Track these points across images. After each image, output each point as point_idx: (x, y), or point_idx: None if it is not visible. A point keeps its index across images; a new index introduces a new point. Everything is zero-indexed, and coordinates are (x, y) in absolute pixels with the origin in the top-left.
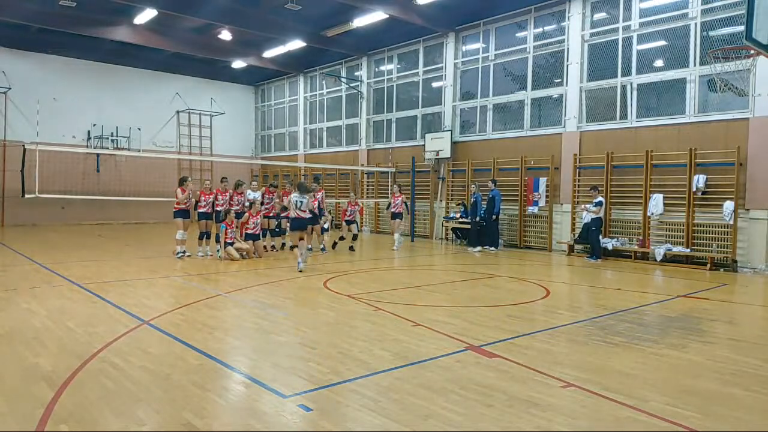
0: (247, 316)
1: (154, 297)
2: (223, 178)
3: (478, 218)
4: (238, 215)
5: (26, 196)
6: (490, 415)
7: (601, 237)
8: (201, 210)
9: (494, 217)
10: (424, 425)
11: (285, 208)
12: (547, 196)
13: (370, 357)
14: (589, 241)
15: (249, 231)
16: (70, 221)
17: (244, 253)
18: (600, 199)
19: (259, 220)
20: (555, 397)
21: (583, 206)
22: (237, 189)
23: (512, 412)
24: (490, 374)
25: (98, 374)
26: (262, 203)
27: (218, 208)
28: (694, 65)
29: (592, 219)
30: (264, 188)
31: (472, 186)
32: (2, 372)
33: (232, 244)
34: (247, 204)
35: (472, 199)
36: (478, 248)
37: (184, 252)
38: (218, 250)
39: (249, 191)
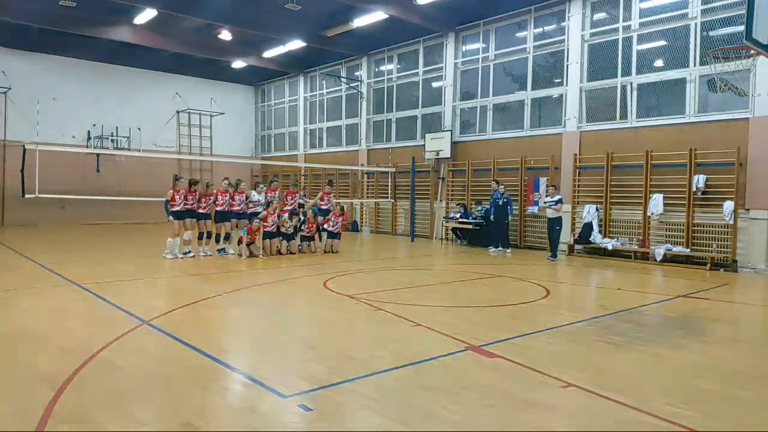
0: (247, 316)
1: (154, 297)
2: (209, 183)
3: (492, 218)
4: (240, 215)
5: (26, 196)
6: (490, 415)
7: (598, 235)
8: (201, 211)
9: (510, 218)
10: (424, 425)
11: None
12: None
13: (370, 357)
14: (550, 239)
15: (267, 229)
16: (70, 221)
17: (261, 251)
18: (559, 197)
19: (276, 219)
20: (555, 397)
21: (543, 202)
22: (237, 188)
23: (512, 412)
24: (490, 374)
25: (98, 374)
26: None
27: (218, 209)
28: (694, 65)
29: (554, 218)
30: (266, 188)
31: (493, 184)
32: (2, 372)
33: (250, 244)
34: (259, 204)
35: (492, 198)
36: (498, 249)
37: (188, 252)
38: (222, 250)
39: (254, 192)
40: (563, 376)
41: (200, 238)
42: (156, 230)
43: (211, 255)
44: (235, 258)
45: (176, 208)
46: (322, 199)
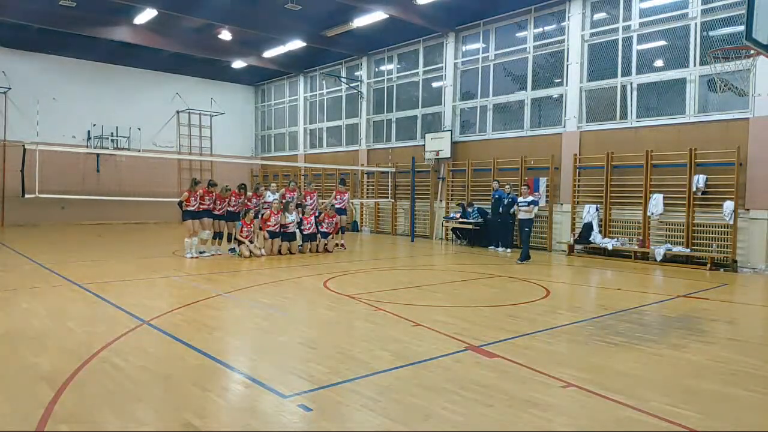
0: (247, 316)
1: (154, 297)
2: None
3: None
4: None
5: (26, 196)
6: (490, 415)
7: (598, 235)
8: (217, 212)
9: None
10: (424, 425)
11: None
12: (547, 196)
13: (370, 357)
14: (521, 242)
15: (270, 228)
16: (70, 221)
17: (261, 250)
18: (532, 198)
19: (279, 219)
20: (555, 397)
21: (516, 205)
22: (256, 191)
23: (512, 412)
24: (490, 374)
25: (98, 374)
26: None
27: (230, 208)
28: (694, 65)
29: (525, 220)
30: (284, 189)
31: (495, 183)
32: (2, 372)
33: (251, 242)
34: (266, 205)
35: (495, 196)
36: (503, 249)
37: (204, 251)
38: (232, 249)
39: (268, 193)
40: (563, 376)
41: (214, 237)
42: (156, 230)
43: (222, 254)
44: (237, 257)
45: (190, 208)
46: (335, 198)
